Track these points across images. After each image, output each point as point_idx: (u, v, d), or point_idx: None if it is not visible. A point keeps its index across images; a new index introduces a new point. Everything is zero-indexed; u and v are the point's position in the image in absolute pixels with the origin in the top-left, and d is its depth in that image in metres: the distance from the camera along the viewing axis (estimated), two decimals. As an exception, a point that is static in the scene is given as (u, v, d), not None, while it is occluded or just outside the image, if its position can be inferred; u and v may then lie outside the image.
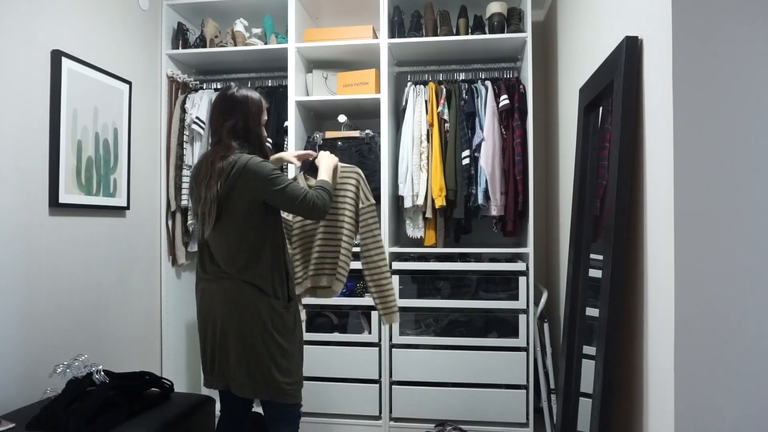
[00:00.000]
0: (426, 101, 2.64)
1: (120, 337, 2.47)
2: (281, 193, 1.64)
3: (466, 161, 2.55)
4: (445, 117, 2.60)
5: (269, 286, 1.67)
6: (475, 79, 2.74)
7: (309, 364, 2.62)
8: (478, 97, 2.61)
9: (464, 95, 2.63)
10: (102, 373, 1.82)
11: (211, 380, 1.74)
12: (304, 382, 2.61)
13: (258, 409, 1.88)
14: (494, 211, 2.52)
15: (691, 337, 1.18)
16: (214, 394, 1.92)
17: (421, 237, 2.66)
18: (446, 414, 2.51)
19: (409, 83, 2.76)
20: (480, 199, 2.52)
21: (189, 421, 1.83)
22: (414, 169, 2.60)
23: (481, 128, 2.55)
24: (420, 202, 2.58)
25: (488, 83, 2.62)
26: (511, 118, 2.55)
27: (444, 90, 2.64)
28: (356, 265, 2.63)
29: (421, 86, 2.70)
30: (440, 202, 2.53)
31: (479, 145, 2.54)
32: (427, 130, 2.63)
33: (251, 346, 1.64)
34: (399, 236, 2.92)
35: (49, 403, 1.68)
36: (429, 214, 2.60)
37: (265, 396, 1.68)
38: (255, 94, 1.75)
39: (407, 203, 2.60)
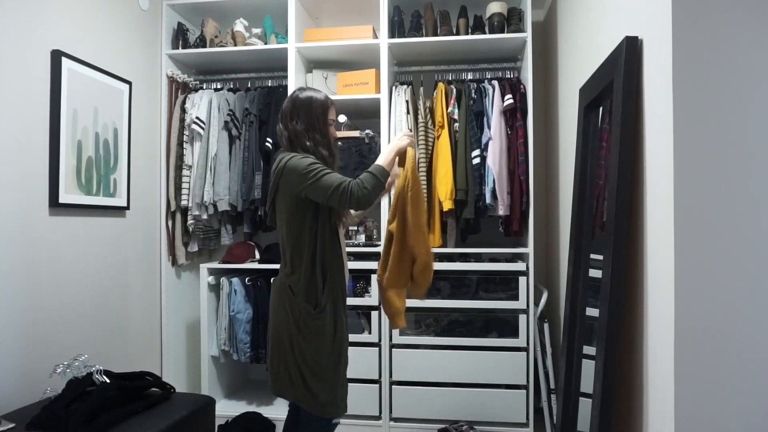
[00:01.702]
0: (407, 101, 2.64)
1: (120, 337, 2.47)
2: (315, 186, 1.60)
3: (476, 161, 2.55)
4: (455, 117, 2.60)
5: (301, 288, 1.67)
6: (482, 78, 2.74)
7: (309, 364, 2.62)
8: (485, 97, 2.60)
9: (473, 94, 2.63)
10: (102, 373, 1.82)
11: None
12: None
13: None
14: (501, 211, 2.51)
15: (691, 336, 1.18)
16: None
17: None
18: (446, 414, 2.51)
19: (395, 84, 2.76)
20: (488, 199, 2.51)
21: (189, 422, 1.83)
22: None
23: (489, 127, 2.55)
24: None
25: (495, 82, 2.61)
26: (514, 118, 2.55)
27: (454, 90, 2.63)
28: (357, 265, 2.65)
29: (404, 86, 2.69)
30: (448, 205, 2.51)
31: (487, 144, 2.53)
32: (409, 129, 2.61)
33: (279, 345, 1.70)
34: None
35: (49, 403, 1.69)
36: None
37: (288, 397, 1.73)
38: (319, 95, 1.77)
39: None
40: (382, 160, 1.71)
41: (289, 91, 2.67)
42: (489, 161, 2.51)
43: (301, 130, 1.71)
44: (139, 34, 2.65)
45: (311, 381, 1.66)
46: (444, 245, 2.61)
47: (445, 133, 2.58)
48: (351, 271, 2.67)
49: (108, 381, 1.81)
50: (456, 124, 2.60)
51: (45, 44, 2.04)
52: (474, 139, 2.56)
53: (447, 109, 2.60)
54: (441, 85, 2.66)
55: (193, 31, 2.99)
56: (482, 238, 2.86)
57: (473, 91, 2.64)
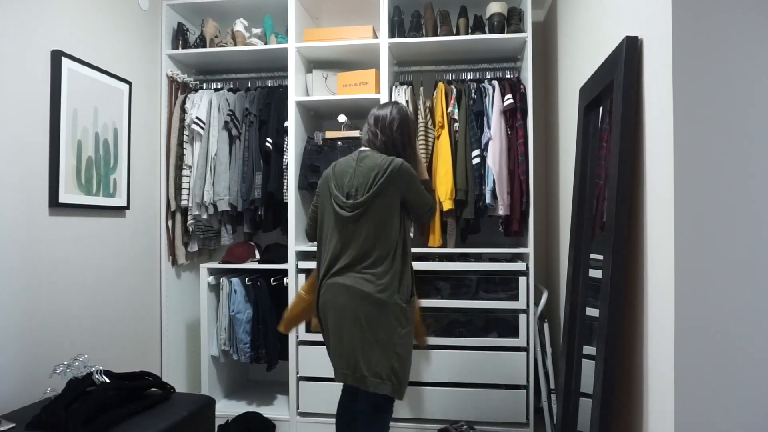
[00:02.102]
0: (407, 101, 2.64)
1: (120, 337, 2.47)
2: (422, 196, 1.85)
3: (476, 161, 2.54)
4: (455, 117, 2.59)
5: (396, 284, 1.78)
6: (482, 78, 2.74)
7: (309, 364, 2.63)
8: (485, 97, 2.60)
9: (473, 94, 2.63)
10: (101, 373, 1.82)
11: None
12: (304, 381, 2.63)
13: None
14: (501, 211, 2.51)
15: (691, 336, 1.18)
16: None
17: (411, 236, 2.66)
18: (446, 414, 2.51)
19: (395, 83, 2.76)
20: (488, 199, 2.51)
21: (189, 422, 1.83)
22: None
23: (489, 127, 2.55)
24: None
25: (495, 82, 2.61)
26: (514, 118, 2.55)
27: (454, 90, 2.63)
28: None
29: (403, 86, 2.70)
30: (448, 205, 2.52)
31: (487, 144, 2.53)
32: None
33: (373, 343, 1.76)
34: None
35: (49, 403, 1.69)
36: None
37: (380, 389, 1.76)
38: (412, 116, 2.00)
39: None
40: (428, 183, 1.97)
41: (289, 91, 2.69)
42: (489, 161, 2.51)
43: (399, 139, 1.89)
44: (139, 34, 2.65)
45: (401, 367, 1.76)
46: (444, 245, 2.60)
47: (445, 132, 2.58)
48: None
49: (108, 381, 1.81)
50: (456, 124, 2.60)
51: (45, 44, 2.04)
52: (474, 139, 2.56)
53: (447, 109, 2.60)
54: (441, 85, 2.66)
55: (193, 31, 2.99)
56: (482, 238, 2.86)
57: (473, 91, 2.64)
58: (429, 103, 2.73)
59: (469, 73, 2.79)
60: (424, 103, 2.66)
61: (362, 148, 1.90)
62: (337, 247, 1.82)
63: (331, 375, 2.58)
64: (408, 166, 1.81)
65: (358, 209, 1.77)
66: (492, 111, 2.55)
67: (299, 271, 2.66)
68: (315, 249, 2.62)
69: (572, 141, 2.13)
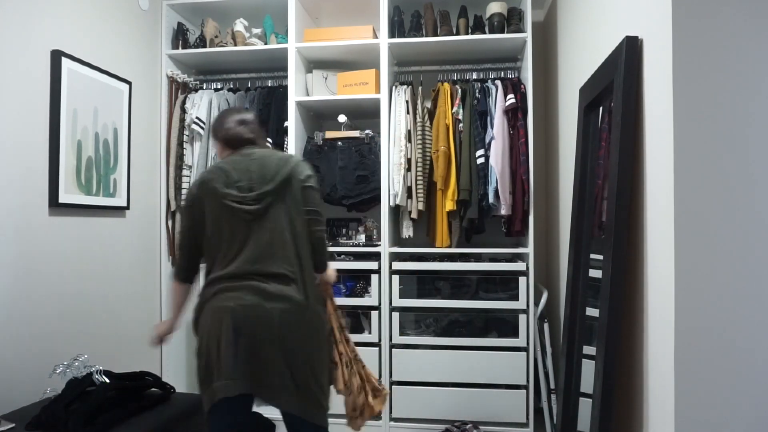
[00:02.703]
0: (407, 101, 2.64)
1: (120, 337, 2.47)
2: (319, 203, 1.70)
3: (480, 160, 2.54)
4: (460, 117, 2.59)
5: (318, 293, 1.67)
6: (484, 78, 2.74)
7: (309, 364, 2.62)
8: (489, 96, 2.60)
9: (477, 94, 2.62)
10: (101, 373, 1.82)
11: (232, 384, 1.51)
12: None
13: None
14: (504, 211, 2.51)
15: (691, 336, 1.18)
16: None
17: (409, 236, 2.66)
18: (446, 414, 2.51)
19: (395, 84, 2.76)
20: (491, 198, 2.51)
21: (189, 422, 1.83)
22: (394, 168, 2.60)
23: (492, 127, 2.55)
24: (400, 201, 2.58)
25: (498, 82, 2.61)
26: (516, 118, 2.55)
27: (459, 90, 2.63)
28: (357, 265, 2.65)
29: (404, 86, 2.70)
30: (450, 206, 2.52)
31: (490, 144, 2.53)
32: (408, 131, 2.62)
33: (315, 364, 1.61)
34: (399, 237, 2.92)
35: (49, 403, 1.69)
36: (414, 215, 2.59)
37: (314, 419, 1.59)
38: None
39: (390, 202, 2.60)
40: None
41: (289, 91, 2.69)
42: (492, 161, 2.51)
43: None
44: (139, 34, 2.65)
45: (327, 390, 1.66)
46: (451, 245, 2.61)
47: (450, 134, 2.58)
48: (350, 271, 2.68)
49: (108, 381, 1.81)
50: (460, 125, 2.60)
51: (45, 44, 2.04)
52: (478, 139, 2.56)
53: (452, 109, 2.59)
54: (446, 86, 2.65)
55: (193, 31, 2.99)
56: (485, 238, 2.86)
57: (477, 91, 2.64)
58: (429, 104, 2.73)
59: (470, 74, 2.79)
60: (422, 103, 2.66)
61: (247, 146, 1.70)
62: (235, 251, 1.57)
63: (331, 375, 2.61)
64: (308, 165, 1.71)
65: (262, 201, 1.57)
66: (495, 110, 2.56)
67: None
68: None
69: (572, 141, 2.13)
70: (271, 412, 2.69)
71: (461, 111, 2.59)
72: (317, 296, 1.65)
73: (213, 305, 1.55)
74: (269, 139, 2.73)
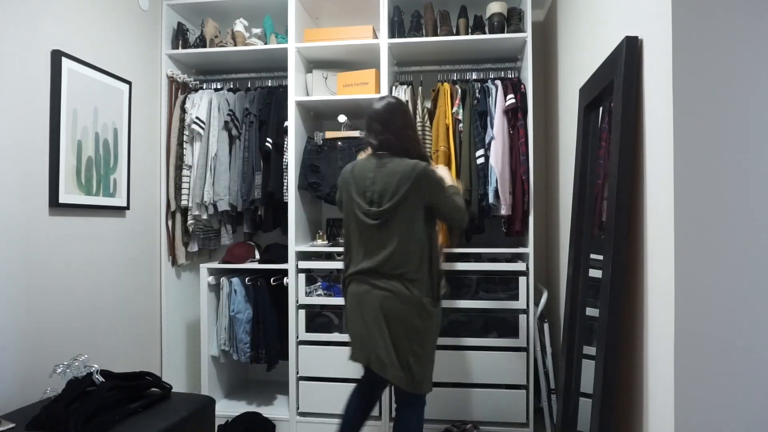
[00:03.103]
0: (407, 101, 2.64)
1: (120, 337, 2.47)
2: (450, 200, 1.82)
3: (480, 160, 2.54)
4: (459, 117, 2.59)
5: (424, 285, 1.82)
6: (484, 78, 2.74)
7: (309, 364, 2.62)
8: (489, 96, 2.60)
9: (477, 94, 2.62)
10: (99, 373, 1.82)
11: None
12: (305, 381, 2.63)
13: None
14: (504, 211, 2.51)
15: (691, 337, 1.18)
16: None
17: None
18: (446, 414, 2.51)
19: (395, 83, 2.76)
20: (491, 198, 2.51)
21: (189, 422, 1.83)
22: None
23: (492, 127, 2.55)
24: None
25: (498, 82, 2.61)
26: (516, 118, 2.55)
27: (459, 90, 2.63)
28: (356, 265, 2.64)
29: (403, 86, 2.69)
30: None
31: (490, 144, 2.53)
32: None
33: (404, 341, 1.79)
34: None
35: (49, 403, 1.69)
36: None
37: (402, 385, 1.79)
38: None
39: None
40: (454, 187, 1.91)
41: (289, 91, 2.69)
42: (492, 161, 2.50)
43: (414, 137, 1.93)
44: (139, 34, 2.65)
45: (426, 363, 1.83)
46: (451, 245, 2.61)
47: (450, 134, 2.58)
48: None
49: (106, 381, 1.81)
50: (460, 125, 2.60)
51: (45, 44, 2.04)
52: (478, 139, 2.56)
53: (452, 109, 2.59)
54: (446, 86, 2.65)
55: (193, 31, 2.99)
56: (485, 238, 2.86)
57: (477, 91, 2.64)
58: (429, 104, 2.73)
59: (470, 74, 2.79)
60: (422, 103, 2.66)
61: (379, 152, 1.88)
62: (362, 250, 1.85)
63: (330, 375, 2.61)
64: (431, 171, 1.82)
65: (382, 217, 1.79)
66: (495, 110, 2.56)
67: (299, 271, 2.66)
68: (314, 249, 2.62)
69: (572, 141, 2.13)
70: (272, 412, 2.70)
71: (461, 111, 2.59)
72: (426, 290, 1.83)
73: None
74: (269, 139, 2.73)
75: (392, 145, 1.86)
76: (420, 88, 2.72)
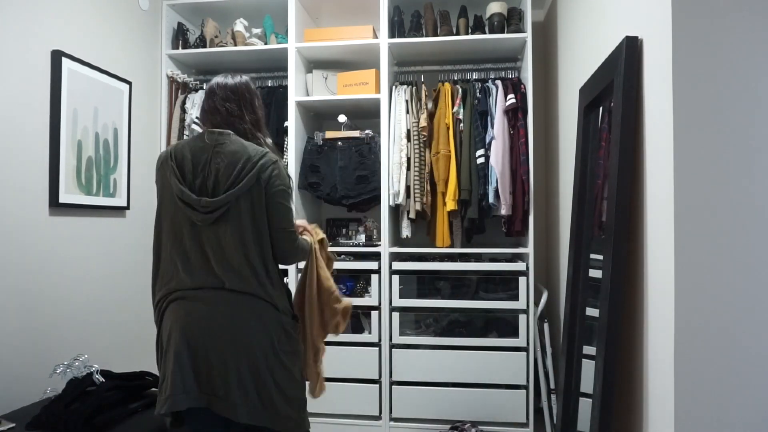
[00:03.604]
0: (407, 101, 2.64)
1: (120, 337, 2.47)
2: (289, 213, 1.48)
3: (480, 160, 2.54)
4: (460, 116, 2.59)
5: (281, 301, 1.49)
6: (485, 78, 2.74)
7: (309, 364, 2.62)
8: (489, 96, 2.60)
9: (477, 94, 2.62)
10: (99, 373, 1.82)
11: (194, 397, 1.39)
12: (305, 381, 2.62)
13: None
14: (504, 211, 2.51)
15: (691, 336, 1.18)
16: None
17: (407, 236, 2.66)
18: (446, 414, 2.51)
19: (396, 83, 2.76)
20: (491, 198, 2.51)
21: (189, 421, 1.83)
22: (394, 167, 2.60)
23: (492, 127, 2.55)
24: (401, 201, 2.58)
25: (498, 82, 2.61)
26: (516, 118, 2.55)
27: (459, 90, 2.63)
28: (357, 265, 2.65)
29: (404, 86, 2.70)
30: (451, 206, 2.52)
31: (490, 143, 2.53)
32: (408, 130, 2.62)
33: (255, 370, 1.42)
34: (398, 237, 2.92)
35: (49, 403, 1.68)
36: (412, 215, 2.59)
37: (266, 423, 1.45)
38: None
39: (390, 202, 2.60)
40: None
41: (289, 91, 2.69)
42: (492, 161, 2.50)
43: (259, 119, 1.56)
44: (139, 34, 2.65)
45: (297, 403, 1.54)
46: (452, 245, 2.61)
47: (451, 134, 2.58)
48: (351, 271, 2.68)
49: (106, 381, 1.81)
50: (461, 124, 2.60)
51: (45, 44, 2.04)
52: (478, 139, 2.56)
53: (452, 108, 2.59)
54: (447, 86, 2.64)
55: (193, 31, 2.99)
56: (485, 238, 2.86)
57: (477, 90, 2.64)
58: (430, 104, 2.73)
59: (470, 73, 2.79)
60: (424, 104, 2.66)
61: (217, 130, 1.51)
62: (187, 257, 1.42)
63: (330, 374, 2.59)
64: (280, 168, 1.47)
65: (217, 210, 1.39)
66: (495, 110, 2.56)
67: (299, 270, 2.66)
68: None
69: (572, 141, 2.13)
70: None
71: (461, 111, 2.59)
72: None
73: None
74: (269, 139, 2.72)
75: (243, 126, 1.51)
76: (423, 88, 2.72)
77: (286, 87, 2.75)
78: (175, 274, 1.44)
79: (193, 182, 1.44)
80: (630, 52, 1.41)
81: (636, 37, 1.42)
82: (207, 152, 1.47)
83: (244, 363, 1.40)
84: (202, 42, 2.87)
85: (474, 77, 2.77)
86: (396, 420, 2.58)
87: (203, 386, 1.40)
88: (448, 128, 2.58)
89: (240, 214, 1.42)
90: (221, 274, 1.41)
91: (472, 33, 2.67)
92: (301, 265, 1.71)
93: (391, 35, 2.69)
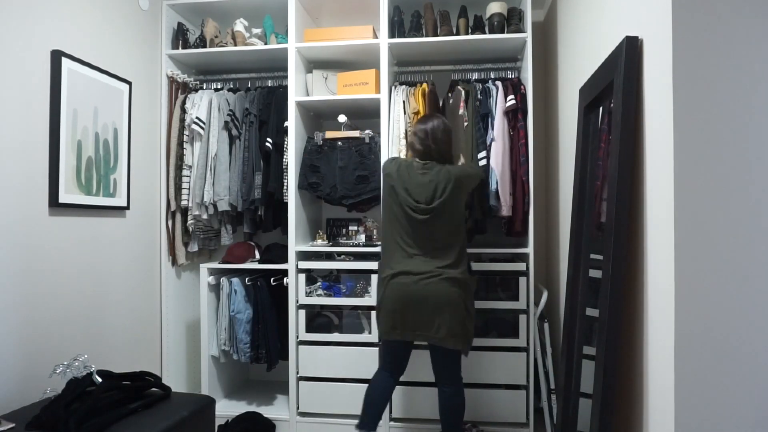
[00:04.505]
0: (404, 101, 2.63)
1: (120, 337, 2.47)
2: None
3: (482, 162, 2.53)
4: (465, 119, 2.58)
5: (466, 271, 2.12)
6: (485, 78, 2.73)
7: (309, 364, 2.63)
8: (490, 97, 2.59)
9: (479, 95, 2.61)
10: (98, 374, 1.82)
11: (400, 333, 2.08)
12: (305, 381, 2.63)
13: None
14: (504, 212, 2.50)
15: (691, 336, 1.18)
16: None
17: None
18: (446, 414, 2.51)
19: (395, 83, 2.76)
20: (491, 200, 2.51)
21: (189, 422, 1.83)
22: None
23: (492, 128, 2.54)
24: None
25: (498, 83, 2.60)
26: (516, 119, 2.54)
27: (463, 92, 2.61)
28: (357, 265, 2.65)
29: (402, 86, 2.69)
30: None
31: (491, 145, 2.53)
32: (406, 130, 2.61)
33: (459, 312, 2.03)
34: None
35: (49, 403, 1.69)
36: None
37: (458, 345, 2.04)
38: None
39: None
40: None
41: (289, 91, 2.69)
42: (492, 162, 2.50)
43: (447, 146, 2.23)
44: (139, 34, 2.65)
45: (471, 329, 2.08)
46: None
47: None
48: (351, 271, 2.68)
49: (105, 381, 1.81)
50: (465, 124, 2.59)
51: (45, 44, 2.04)
52: (480, 141, 2.55)
53: (458, 111, 2.58)
54: (424, 86, 2.65)
55: (193, 31, 2.99)
56: (485, 239, 2.86)
57: (479, 92, 2.63)
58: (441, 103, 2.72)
59: (470, 74, 2.79)
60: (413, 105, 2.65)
61: (423, 161, 2.14)
62: (410, 242, 2.08)
63: (330, 375, 2.61)
64: (463, 171, 2.15)
65: (430, 213, 2.05)
66: (495, 112, 2.55)
67: (299, 271, 2.66)
68: (314, 249, 2.61)
69: (572, 141, 2.13)
70: (272, 412, 2.70)
71: (465, 113, 2.58)
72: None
73: None
74: (269, 139, 2.72)
75: (436, 155, 2.16)
76: (411, 90, 2.71)
77: (286, 87, 2.75)
78: None
79: None
80: (630, 52, 1.41)
81: (636, 37, 1.42)
82: None
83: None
84: (202, 42, 2.87)
85: (474, 77, 2.77)
86: (396, 420, 2.58)
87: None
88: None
89: None
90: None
91: (472, 33, 2.67)
92: None
93: (391, 35, 2.69)
